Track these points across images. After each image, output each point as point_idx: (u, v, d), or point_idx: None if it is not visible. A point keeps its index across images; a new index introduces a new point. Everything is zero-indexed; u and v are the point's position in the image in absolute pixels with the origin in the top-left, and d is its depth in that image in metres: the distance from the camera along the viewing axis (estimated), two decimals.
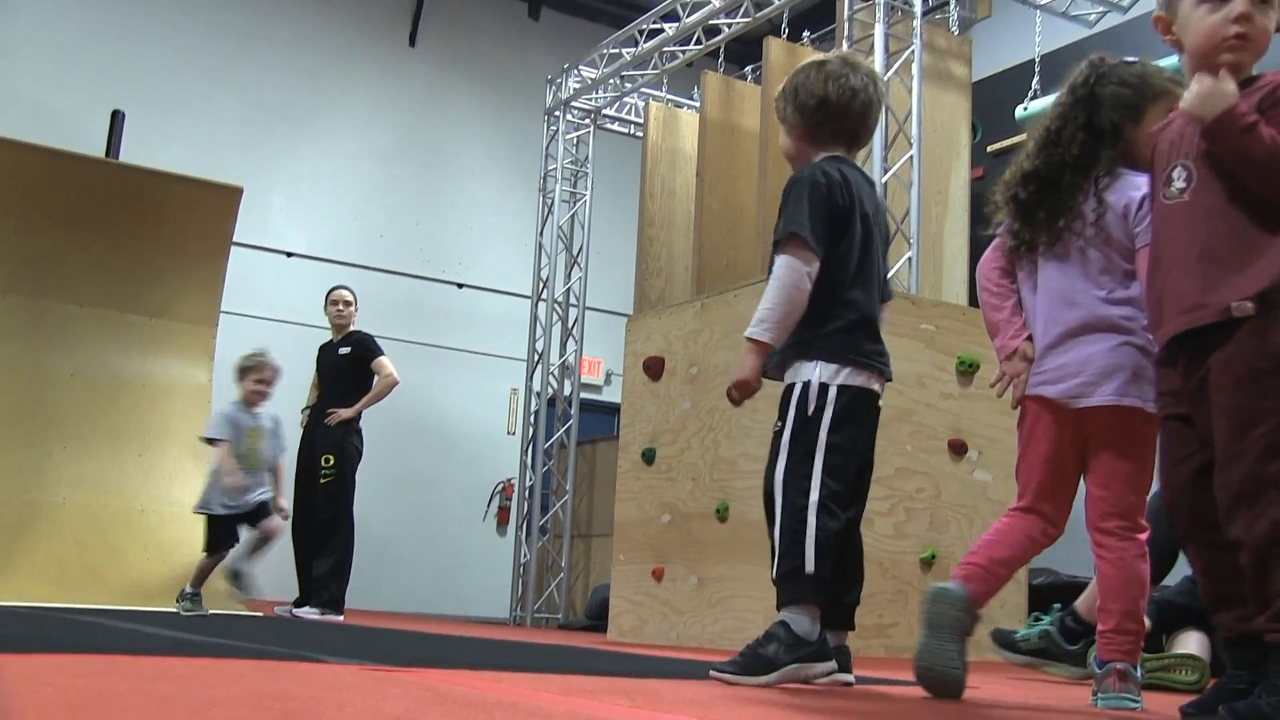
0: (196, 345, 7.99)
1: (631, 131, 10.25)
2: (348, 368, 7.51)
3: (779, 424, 2.97)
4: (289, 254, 11.34)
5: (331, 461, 7.27)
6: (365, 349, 7.52)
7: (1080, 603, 4.21)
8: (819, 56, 3.23)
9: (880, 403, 3.05)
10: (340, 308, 7.68)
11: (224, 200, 8.11)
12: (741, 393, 2.98)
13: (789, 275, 2.93)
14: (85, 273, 7.67)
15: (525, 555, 9.42)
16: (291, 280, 11.24)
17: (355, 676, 2.37)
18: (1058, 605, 4.26)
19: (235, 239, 8.30)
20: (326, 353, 7.74)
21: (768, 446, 3.01)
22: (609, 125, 10.29)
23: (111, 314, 7.70)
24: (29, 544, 7.00)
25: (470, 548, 11.69)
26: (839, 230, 3.01)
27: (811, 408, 2.92)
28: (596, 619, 7.94)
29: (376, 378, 7.46)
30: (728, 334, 5.83)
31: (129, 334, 7.77)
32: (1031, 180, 2.96)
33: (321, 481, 7.29)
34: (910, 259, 6.26)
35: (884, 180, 6.32)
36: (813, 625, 2.84)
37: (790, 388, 2.98)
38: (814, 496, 2.85)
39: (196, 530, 6.57)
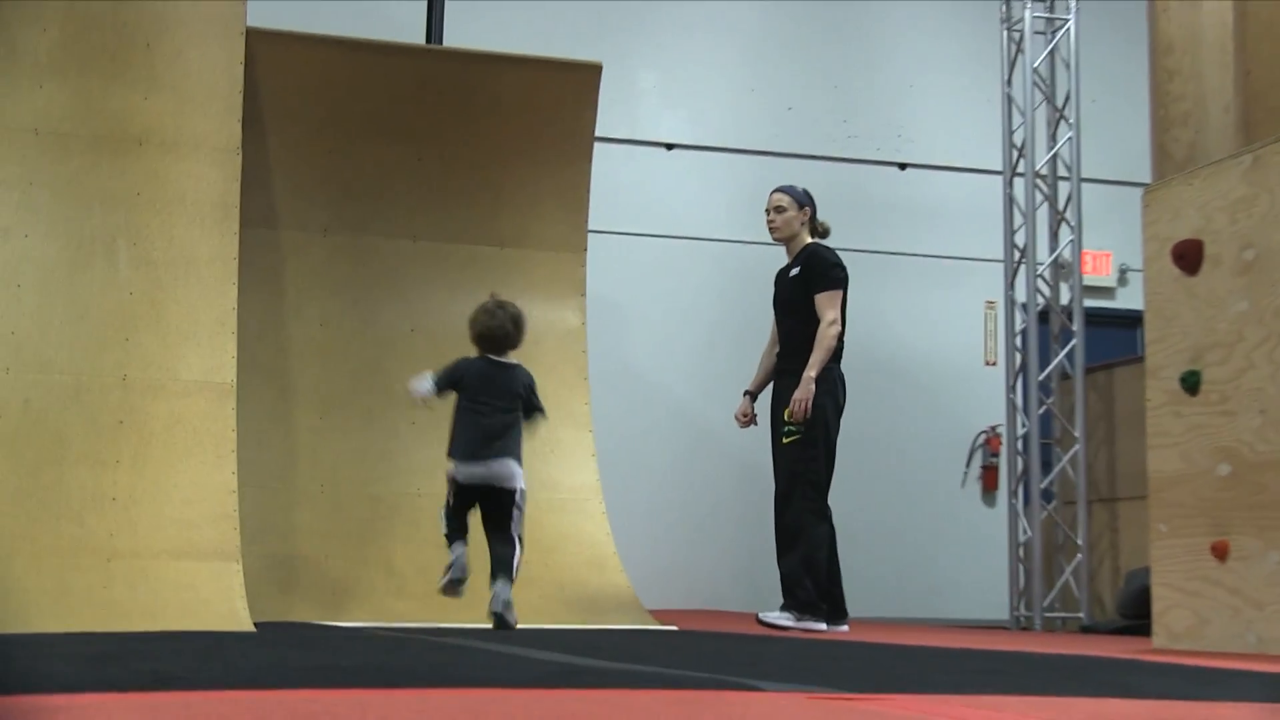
0: (562, 278, 8.32)
1: None
2: (799, 297, 7.52)
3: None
4: (669, 146, 11.60)
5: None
6: (811, 272, 7.50)
7: None
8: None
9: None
10: (770, 217, 7.74)
11: (579, 84, 8.37)
12: None
13: None
14: (415, 198, 8.16)
15: (1025, 532, 9.28)
16: (675, 182, 11.50)
17: (801, 708, 2.40)
18: None
19: (596, 134, 8.58)
20: (778, 279, 7.84)
21: None
22: None
23: (451, 248, 8.14)
24: (381, 549, 7.55)
25: (946, 525, 11.65)
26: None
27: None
28: (1135, 617, 7.73)
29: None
30: None
31: (476, 272, 8.20)
32: None
33: (784, 442, 7.40)
34: None
35: None
36: None
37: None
38: None
39: (583, 523, 6.87)
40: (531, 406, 6.91)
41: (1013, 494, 9.49)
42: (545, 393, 8.09)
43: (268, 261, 7.88)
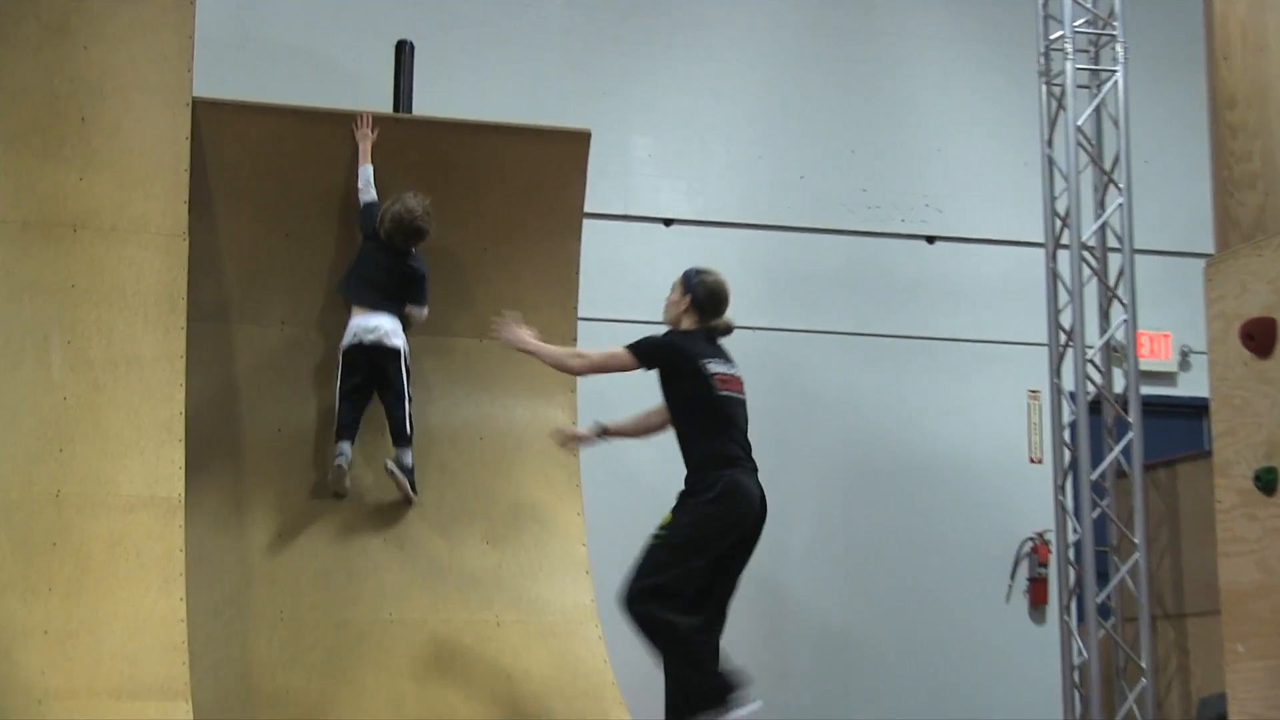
0: (550, 373, 8.31)
1: None
2: (663, 392, 7.48)
3: None
4: (667, 221, 11.64)
5: (666, 520, 7.20)
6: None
7: None
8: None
9: None
10: None
11: (566, 153, 8.45)
12: None
13: None
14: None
15: (1080, 653, 9.25)
16: (675, 261, 11.37)
17: None
18: None
19: (586, 208, 8.64)
20: None
21: None
22: None
23: (425, 340, 8.14)
24: (348, 682, 7.50)
25: (989, 645, 11.60)
26: None
27: None
28: None
29: None
30: None
31: (453, 367, 8.24)
32: None
33: (649, 541, 7.19)
34: None
35: None
36: None
37: None
38: None
39: (577, 649, 6.84)
40: (416, 298, 8.02)
41: (1065, 610, 9.46)
42: (534, 500, 8.11)
43: (219, 359, 7.89)
